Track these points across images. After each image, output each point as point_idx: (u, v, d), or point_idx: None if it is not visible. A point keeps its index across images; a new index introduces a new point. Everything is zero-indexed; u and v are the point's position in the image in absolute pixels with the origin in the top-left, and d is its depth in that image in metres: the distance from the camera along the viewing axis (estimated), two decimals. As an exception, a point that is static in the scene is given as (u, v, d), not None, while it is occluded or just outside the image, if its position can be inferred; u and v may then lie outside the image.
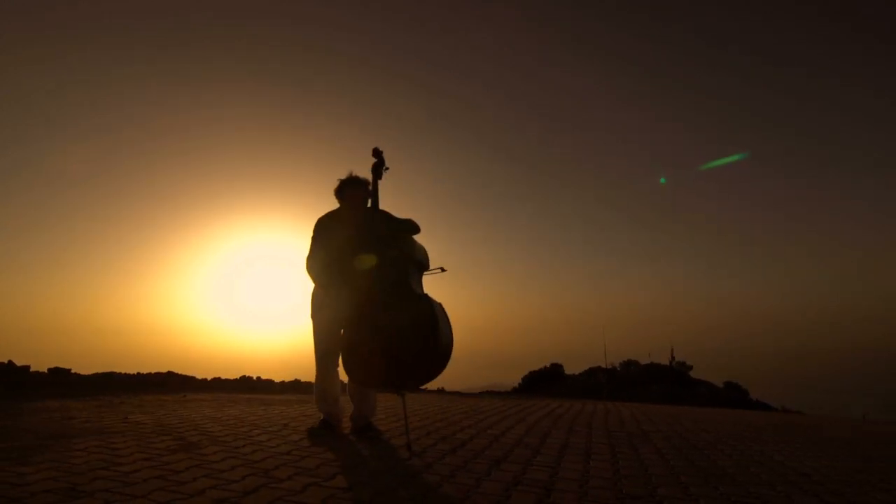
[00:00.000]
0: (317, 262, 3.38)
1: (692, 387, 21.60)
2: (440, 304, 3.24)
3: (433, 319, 3.06)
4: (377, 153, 3.41)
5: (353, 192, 3.41)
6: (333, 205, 3.49)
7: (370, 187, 3.45)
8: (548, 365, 23.91)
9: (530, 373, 23.61)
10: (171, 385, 7.19)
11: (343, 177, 3.45)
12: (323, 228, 3.46)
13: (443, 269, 3.45)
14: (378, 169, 3.41)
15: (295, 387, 8.43)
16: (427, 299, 3.16)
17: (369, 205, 3.44)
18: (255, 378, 9.49)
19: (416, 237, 3.41)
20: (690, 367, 23.06)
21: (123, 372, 8.20)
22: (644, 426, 4.63)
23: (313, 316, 3.41)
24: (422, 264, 3.35)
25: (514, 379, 26.09)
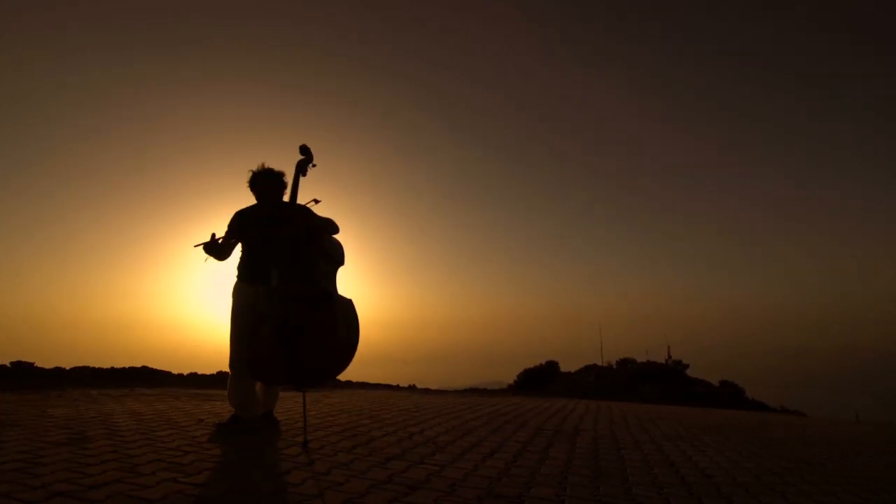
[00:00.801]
0: (216, 249, 3.36)
1: (688, 385, 21.37)
2: (350, 301, 3.22)
3: (340, 318, 3.08)
4: (304, 150, 3.36)
5: (265, 188, 3.39)
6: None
7: (285, 179, 3.44)
8: (543, 363, 23.80)
9: (525, 370, 23.50)
10: (142, 379, 7.22)
11: (256, 168, 3.44)
12: (240, 222, 3.44)
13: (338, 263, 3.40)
14: (303, 165, 3.36)
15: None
16: (336, 297, 3.15)
17: (288, 200, 3.42)
18: (230, 373, 9.51)
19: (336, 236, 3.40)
20: (687, 366, 22.86)
21: (97, 367, 8.28)
22: (584, 425, 4.57)
23: (233, 310, 3.40)
24: (335, 262, 3.32)
25: (511, 376, 26.03)
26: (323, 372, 3.10)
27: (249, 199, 3.51)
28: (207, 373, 8.84)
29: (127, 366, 8.28)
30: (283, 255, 3.18)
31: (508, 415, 4.93)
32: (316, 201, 3.32)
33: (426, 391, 8.58)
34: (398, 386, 8.94)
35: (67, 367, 7.97)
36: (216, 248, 3.29)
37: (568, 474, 2.68)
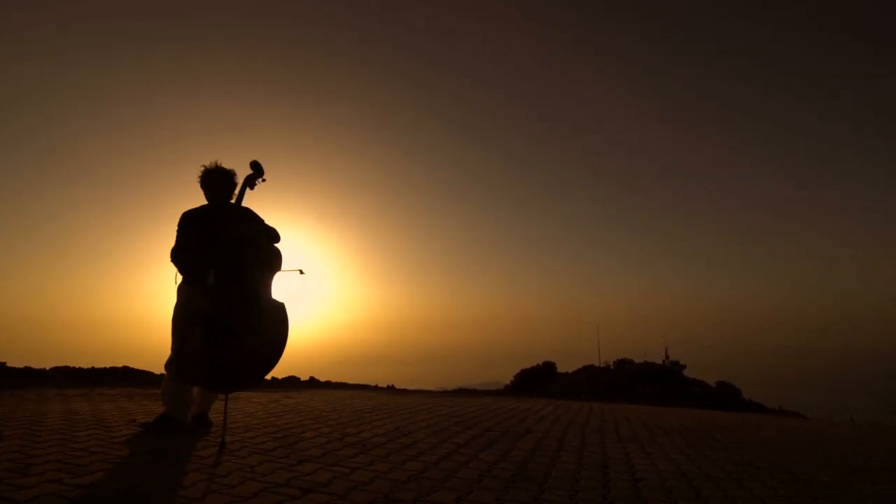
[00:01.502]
0: (179, 256, 3.35)
1: (685, 386, 21.19)
2: (282, 305, 3.22)
3: (269, 321, 3.13)
4: (254, 165, 3.41)
5: (218, 186, 3.39)
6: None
7: (235, 180, 3.45)
8: (540, 363, 23.69)
9: (522, 371, 23.40)
10: (118, 379, 7.18)
11: (208, 165, 3.43)
12: (188, 222, 3.43)
13: (301, 272, 3.41)
14: (251, 179, 3.42)
15: (264, 384, 8.40)
16: (268, 301, 3.16)
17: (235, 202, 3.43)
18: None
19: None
20: (684, 367, 22.70)
21: (78, 367, 8.27)
22: (539, 426, 4.48)
23: (174, 310, 3.36)
24: (272, 267, 3.31)
25: (511, 377, 25.93)
26: (248, 374, 3.08)
27: (200, 198, 3.50)
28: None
29: (118, 366, 8.29)
30: (220, 257, 3.17)
31: (466, 416, 4.84)
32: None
33: (404, 392, 8.52)
34: (376, 386, 8.88)
35: (48, 368, 7.98)
36: (184, 258, 3.31)
37: (486, 478, 2.59)
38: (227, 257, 3.18)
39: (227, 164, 3.43)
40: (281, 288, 3.34)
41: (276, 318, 3.16)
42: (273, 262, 3.33)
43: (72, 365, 8.31)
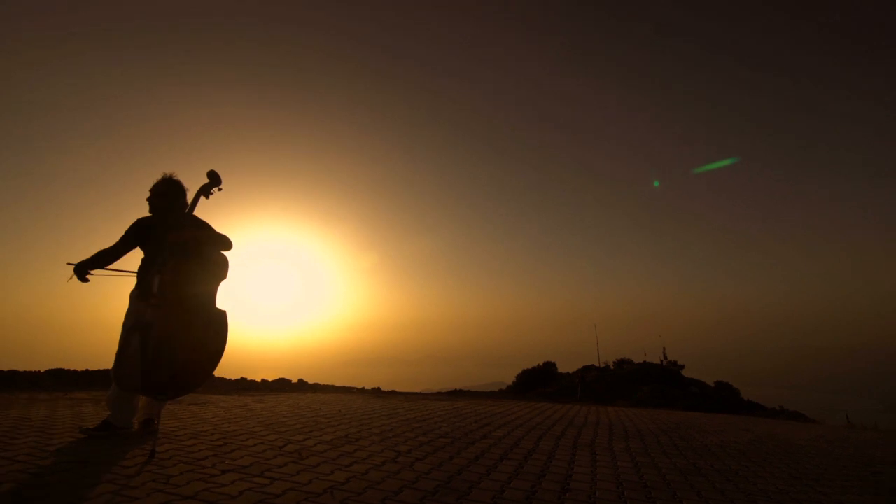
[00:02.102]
0: (102, 256, 3.40)
1: (684, 386, 20.97)
2: (223, 313, 3.25)
3: (207, 330, 3.14)
4: (211, 174, 3.47)
5: (154, 199, 3.47)
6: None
7: (177, 189, 3.51)
8: (541, 364, 23.58)
9: (523, 371, 23.30)
10: (100, 383, 7.24)
11: (159, 180, 3.58)
12: (135, 230, 3.51)
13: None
14: (206, 188, 3.46)
15: (253, 387, 8.42)
16: (209, 309, 3.19)
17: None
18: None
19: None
20: (682, 367, 22.49)
21: (73, 369, 8.35)
22: (498, 432, 4.46)
23: (125, 316, 3.39)
24: (218, 276, 3.34)
25: (514, 377, 25.84)
26: (184, 382, 3.09)
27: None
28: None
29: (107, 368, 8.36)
30: (165, 264, 3.20)
31: (430, 420, 4.83)
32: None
33: (391, 393, 8.52)
34: (362, 389, 8.88)
35: (42, 370, 8.06)
36: (95, 263, 3.34)
37: (406, 489, 2.58)
38: (172, 265, 3.21)
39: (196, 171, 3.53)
40: (226, 296, 3.36)
41: (215, 327, 3.18)
42: (218, 270, 3.35)
43: (67, 367, 8.41)
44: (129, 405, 3.37)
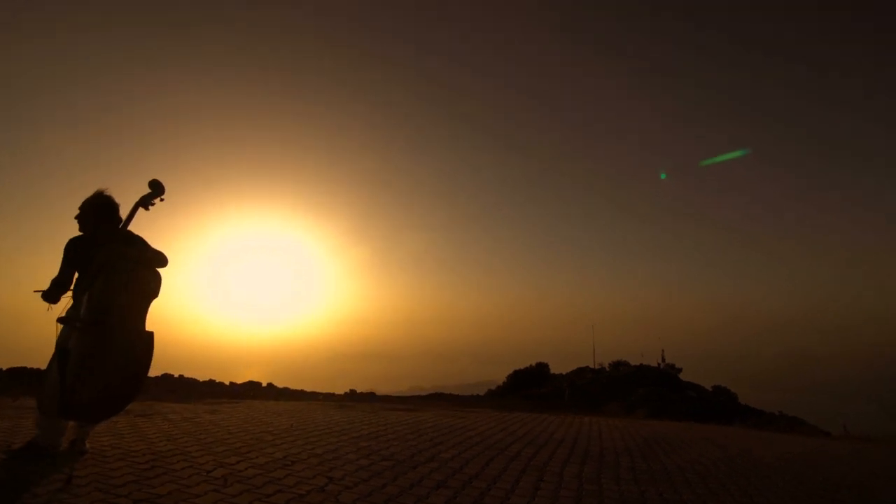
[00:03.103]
0: (53, 292, 3.35)
1: (680, 390, 20.84)
2: (150, 334, 3.21)
3: (128, 352, 3.10)
4: (153, 184, 3.41)
5: (81, 222, 3.45)
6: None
7: (113, 207, 3.47)
8: (533, 364, 23.52)
9: (515, 372, 23.25)
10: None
11: (89, 196, 3.52)
12: (70, 252, 3.45)
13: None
14: (147, 199, 3.39)
15: (219, 391, 8.40)
16: (133, 328, 3.15)
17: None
18: (176, 377, 9.56)
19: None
20: (680, 370, 22.37)
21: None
22: (448, 452, 4.38)
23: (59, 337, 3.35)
24: (148, 295, 3.28)
25: (506, 376, 25.79)
26: (105, 406, 3.04)
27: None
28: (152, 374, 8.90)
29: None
30: (89, 285, 3.15)
31: (383, 438, 4.76)
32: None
33: (364, 398, 8.47)
34: (332, 394, 8.84)
35: (4, 368, 8.09)
36: (58, 291, 3.33)
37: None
38: (98, 285, 3.15)
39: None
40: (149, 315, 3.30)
41: (138, 350, 3.12)
42: (147, 289, 3.28)
43: (32, 366, 8.43)
44: (56, 425, 3.31)
